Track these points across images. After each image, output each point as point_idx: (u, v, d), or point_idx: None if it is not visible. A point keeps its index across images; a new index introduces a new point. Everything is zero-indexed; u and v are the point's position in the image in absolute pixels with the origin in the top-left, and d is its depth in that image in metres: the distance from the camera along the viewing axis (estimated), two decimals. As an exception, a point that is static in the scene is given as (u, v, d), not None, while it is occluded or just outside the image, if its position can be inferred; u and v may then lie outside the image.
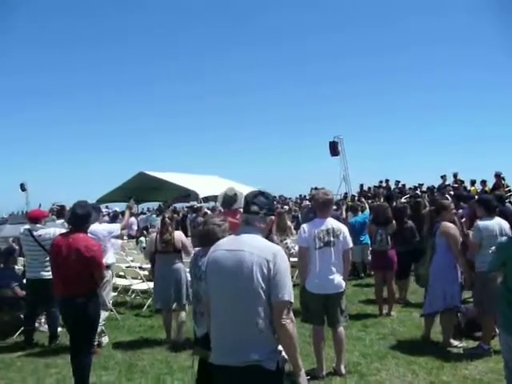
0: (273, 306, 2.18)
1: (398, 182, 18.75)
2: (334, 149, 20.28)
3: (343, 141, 20.77)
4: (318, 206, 4.37)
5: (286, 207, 15.01)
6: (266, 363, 2.16)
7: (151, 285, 7.20)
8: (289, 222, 9.49)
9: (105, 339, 5.50)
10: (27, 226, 5.69)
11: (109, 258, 5.53)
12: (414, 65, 51.92)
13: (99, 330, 4.94)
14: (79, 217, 4.04)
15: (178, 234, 5.50)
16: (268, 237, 2.52)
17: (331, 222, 4.25)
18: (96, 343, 4.86)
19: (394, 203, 7.79)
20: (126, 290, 7.81)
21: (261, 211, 2.37)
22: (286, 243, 9.14)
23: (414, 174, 46.01)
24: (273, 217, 2.44)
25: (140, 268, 8.11)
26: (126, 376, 4.42)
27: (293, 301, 2.21)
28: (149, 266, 8.27)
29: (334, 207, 7.58)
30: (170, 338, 5.53)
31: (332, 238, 4.16)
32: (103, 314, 5.28)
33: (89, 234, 4.96)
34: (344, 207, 10.41)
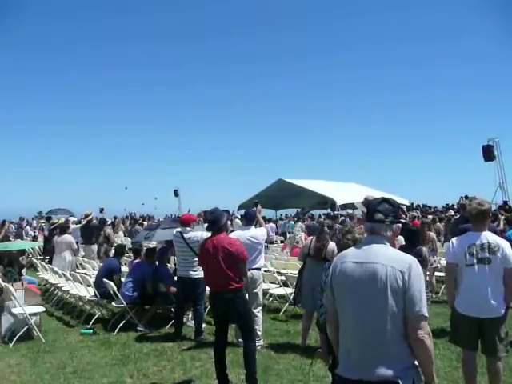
0: (408, 320, 2.07)
1: None
2: (488, 153, 18.21)
3: (499, 144, 18.59)
4: (471, 217, 3.91)
5: (430, 217, 13.92)
6: (401, 380, 2.05)
7: (288, 290, 7.33)
8: (432, 234, 8.77)
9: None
10: (179, 229, 6.25)
11: (261, 261, 5.82)
12: None
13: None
14: (210, 222, 4.52)
15: (332, 245, 5.45)
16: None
17: (487, 236, 3.73)
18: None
19: None
20: (264, 293, 8.05)
21: (386, 219, 2.25)
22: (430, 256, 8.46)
23: None
24: (399, 225, 2.31)
25: (278, 273, 8.29)
26: (262, 378, 4.52)
27: (427, 315, 2.08)
28: (286, 271, 8.48)
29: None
30: (305, 345, 5.52)
31: (487, 255, 3.66)
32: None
33: (251, 238, 5.47)
34: (502, 219, 9.25)
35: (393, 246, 2.29)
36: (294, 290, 5.98)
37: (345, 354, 2.25)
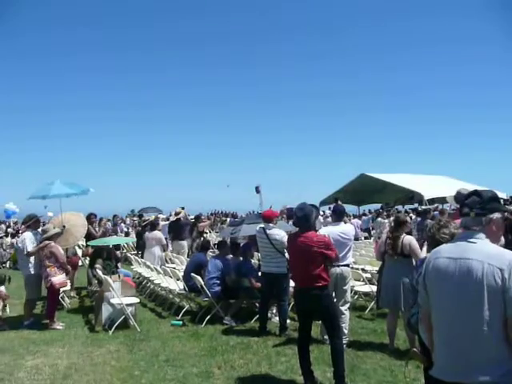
0: (509, 321, 1.90)
1: None
2: None
3: None
4: None
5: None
6: None
7: (373, 288, 7.09)
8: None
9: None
10: (262, 225, 6.33)
11: (351, 257, 5.74)
12: None
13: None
14: (299, 218, 4.40)
15: (408, 239, 5.22)
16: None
17: None
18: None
19: None
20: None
21: (471, 212, 2.11)
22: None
23: None
24: (491, 216, 2.10)
25: (362, 270, 8.07)
26: (349, 376, 4.42)
27: None
28: (371, 268, 8.22)
29: None
30: (393, 346, 5.30)
31: None
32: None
33: (341, 234, 5.38)
34: None
35: (495, 241, 2.10)
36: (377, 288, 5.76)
37: (440, 355, 2.15)
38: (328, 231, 5.41)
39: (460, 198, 5.14)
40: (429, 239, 3.18)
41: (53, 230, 7.17)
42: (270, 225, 6.21)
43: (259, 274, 6.68)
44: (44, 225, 9.24)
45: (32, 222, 7.70)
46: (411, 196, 20.71)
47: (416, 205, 20.25)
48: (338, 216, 5.70)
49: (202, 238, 12.19)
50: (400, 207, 22.01)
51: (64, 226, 7.83)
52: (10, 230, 17.27)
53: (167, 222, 13.72)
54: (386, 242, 5.27)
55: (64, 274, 7.03)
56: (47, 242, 6.95)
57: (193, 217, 14.62)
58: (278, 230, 6.19)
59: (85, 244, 10.50)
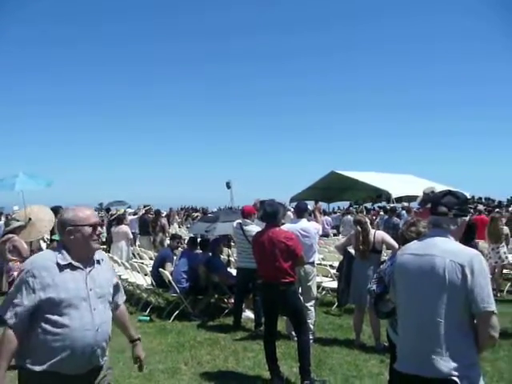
0: (476, 317, 1.99)
1: None
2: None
3: None
4: None
5: (497, 211, 13.16)
6: (459, 379, 1.97)
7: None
8: (506, 228, 8.30)
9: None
10: (239, 221, 6.30)
11: (314, 256, 5.69)
12: None
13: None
14: (269, 213, 4.40)
15: (379, 234, 5.35)
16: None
17: None
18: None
19: None
20: (316, 287, 7.94)
21: (450, 212, 2.16)
22: (498, 252, 8.01)
23: None
24: (465, 218, 2.20)
25: (330, 266, 8.17)
26: (315, 372, 4.46)
27: (495, 310, 2.00)
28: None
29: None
30: (359, 341, 5.40)
31: None
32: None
33: (302, 231, 5.33)
34: None
35: (458, 240, 2.20)
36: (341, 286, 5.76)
37: (401, 349, 2.23)
38: (287, 228, 5.37)
39: (429, 197, 5.26)
40: (399, 236, 3.26)
41: (15, 223, 6.91)
42: (247, 221, 6.18)
43: (230, 269, 6.66)
44: (7, 218, 8.92)
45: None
46: (379, 194, 21.13)
47: (384, 203, 20.68)
48: (299, 213, 5.71)
49: (166, 234, 12.08)
50: (369, 205, 22.43)
51: (30, 219, 7.56)
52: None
53: (135, 217, 13.53)
54: (357, 238, 5.34)
55: (27, 269, 6.80)
56: (10, 235, 6.70)
57: (164, 212, 14.49)
58: (255, 227, 6.15)
59: (49, 238, 10.20)
